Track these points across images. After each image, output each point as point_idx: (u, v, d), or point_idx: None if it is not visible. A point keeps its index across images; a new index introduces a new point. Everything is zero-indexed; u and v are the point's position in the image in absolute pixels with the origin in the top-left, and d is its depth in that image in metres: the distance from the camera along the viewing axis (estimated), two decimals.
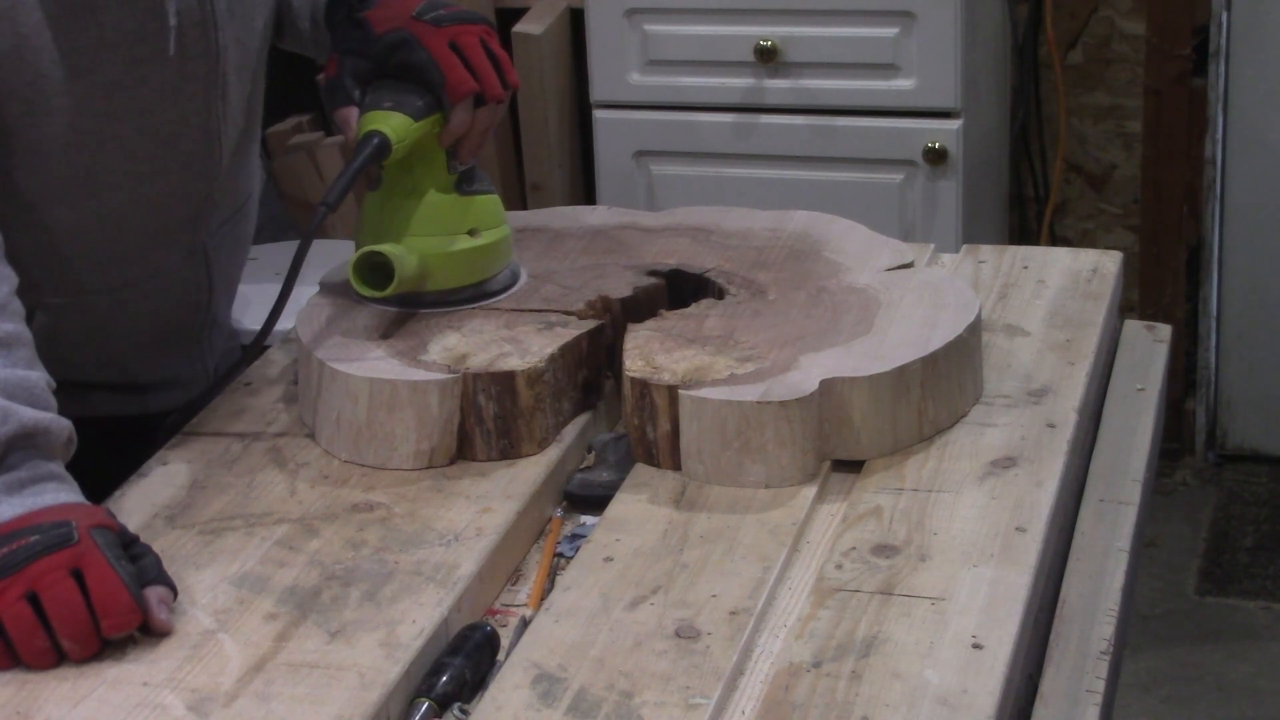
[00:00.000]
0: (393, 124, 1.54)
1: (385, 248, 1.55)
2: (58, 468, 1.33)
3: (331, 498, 1.44)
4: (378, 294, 1.56)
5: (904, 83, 2.95)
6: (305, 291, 1.81)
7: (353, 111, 1.57)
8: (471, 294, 1.62)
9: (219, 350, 1.70)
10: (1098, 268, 1.83)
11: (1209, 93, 3.28)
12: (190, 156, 1.54)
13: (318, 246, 3.72)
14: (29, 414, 1.31)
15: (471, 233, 1.61)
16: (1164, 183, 3.36)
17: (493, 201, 1.64)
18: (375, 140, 1.53)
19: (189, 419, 1.58)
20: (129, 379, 1.55)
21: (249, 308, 2.98)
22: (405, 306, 1.60)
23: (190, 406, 1.60)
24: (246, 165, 1.66)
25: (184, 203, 1.56)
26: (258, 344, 1.55)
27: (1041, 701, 1.26)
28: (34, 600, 1.23)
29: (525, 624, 1.30)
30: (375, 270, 1.56)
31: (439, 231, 1.59)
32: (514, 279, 1.66)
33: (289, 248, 3.25)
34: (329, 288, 1.67)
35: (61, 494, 1.31)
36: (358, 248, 1.59)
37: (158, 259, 1.56)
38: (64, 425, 1.34)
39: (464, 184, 1.62)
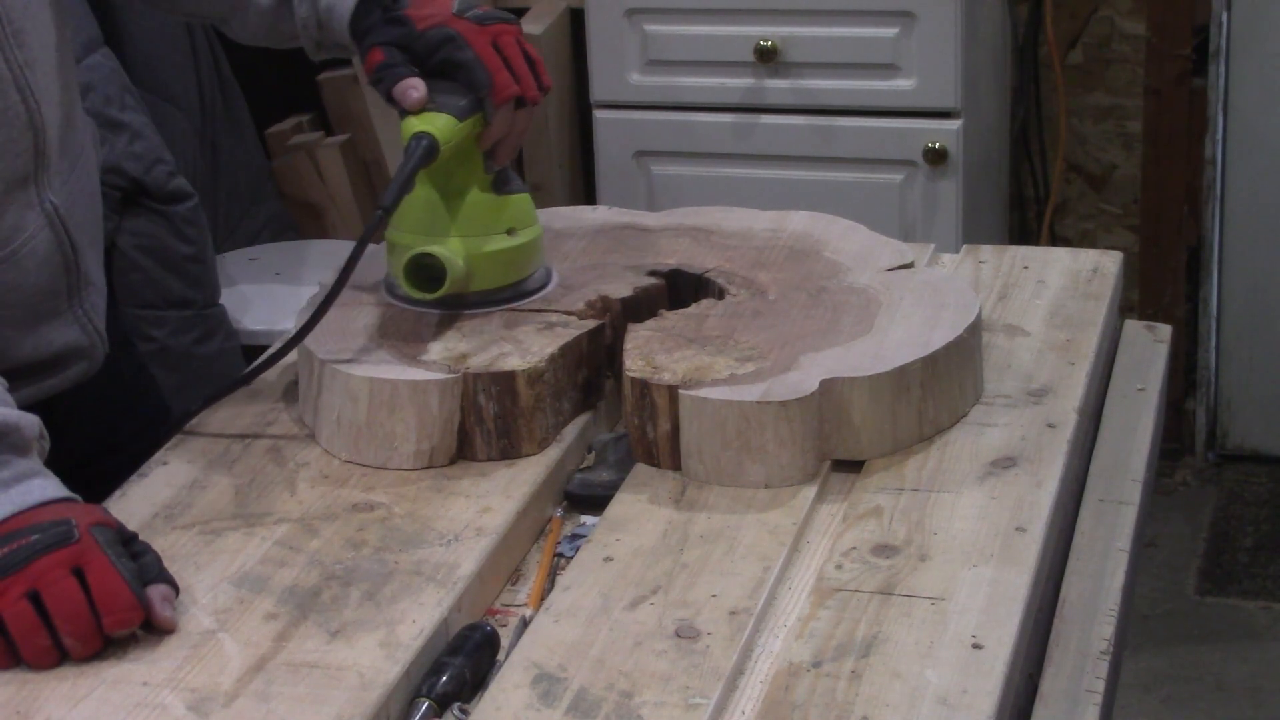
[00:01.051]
0: (438, 125, 1.52)
1: (436, 249, 1.54)
2: (37, 464, 1.32)
3: (331, 498, 1.44)
4: (429, 296, 1.55)
5: (904, 83, 2.95)
6: (305, 291, 1.81)
7: (419, 80, 1.54)
8: (511, 294, 1.61)
9: (101, 312, 1.64)
10: (1098, 268, 1.83)
11: (1209, 93, 3.28)
12: (6, 112, 1.47)
13: (317, 247, 3.72)
14: None
15: (509, 232, 1.60)
16: (1164, 183, 3.36)
17: (526, 200, 1.63)
18: (425, 142, 1.51)
19: (189, 418, 1.58)
20: (21, 360, 1.51)
21: (249, 307, 2.99)
22: (449, 308, 1.59)
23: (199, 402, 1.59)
24: (73, 117, 1.60)
25: (17, 161, 1.50)
26: (292, 344, 1.52)
27: (1041, 701, 1.26)
28: (35, 599, 1.23)
29: (525, 624, 1.30)
30: (421, 272, 1.55)
31: (479, 232, 1.58)
32: (548, 277, 1.65)
33: (289, 248, 3.26)
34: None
35: (49, 490, 1.30)
36: (397, 250, 1.57)
37: (10, 225, 1.50)
38: (32, 420, 1.33)
39: (499, 184, 1.61)
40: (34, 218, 1.52)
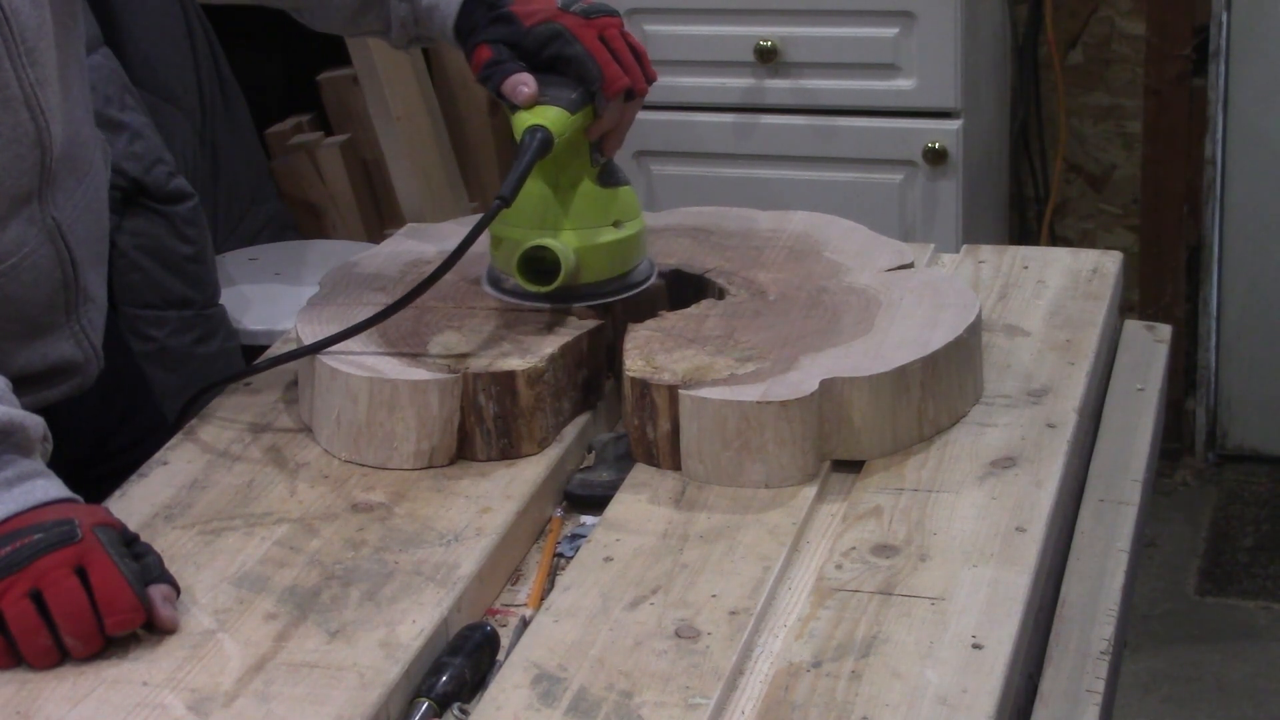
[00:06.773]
0: (551, 118, 1.53)
1: (549, 242, 1.54)
2: (40, 464, 1.32)
3: (331, 498, 1.44)
4: (543, 289, 1.55)
5: (904, 83, 2.95)
6: (305, 291, 1.81)
7: (529, 76, 1.54)
8: (618, 286, 1.61)
9: (99, 328, 1.65)
10: (1098, 268, 1.83)
11: (1209, 93, 3.28)
12: (15, 130, 1.47)
13: (317, 247, 3.70)
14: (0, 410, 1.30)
15: (616, 224, 1.60)
16: (1164, 183, 3.36)
17: (631, 193, 1.63)
18: (539, 135, 1.51)
19: (201, 406, 1.58)
20: (13, 372, 1.51)
21: (249, 307, 2.99)
22: (560, 302, 1.58)
23: (205, 390, 1.59)
24: (82, 134, 1.59)
25: (22, 178, 1.49)
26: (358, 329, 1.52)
27: (1041, 701, 1.26)
28: (37, 598, 1.23)
29: (525, 624, 1.30)
30: (533, 265, 1.55)
31: (588, 224, 1.58)
32: (651, 269, 1.65)
33: (289, 248, 3.26)
34: (329, 287, 1.67)
35: (51, 490, 1.30)
36: (506, 244, 1.57)
37: (11, 240, 1.50)
38: (37, 421, 1.33)
39: (605, 176, 1.60)
40: (35, 233, 1.52)
